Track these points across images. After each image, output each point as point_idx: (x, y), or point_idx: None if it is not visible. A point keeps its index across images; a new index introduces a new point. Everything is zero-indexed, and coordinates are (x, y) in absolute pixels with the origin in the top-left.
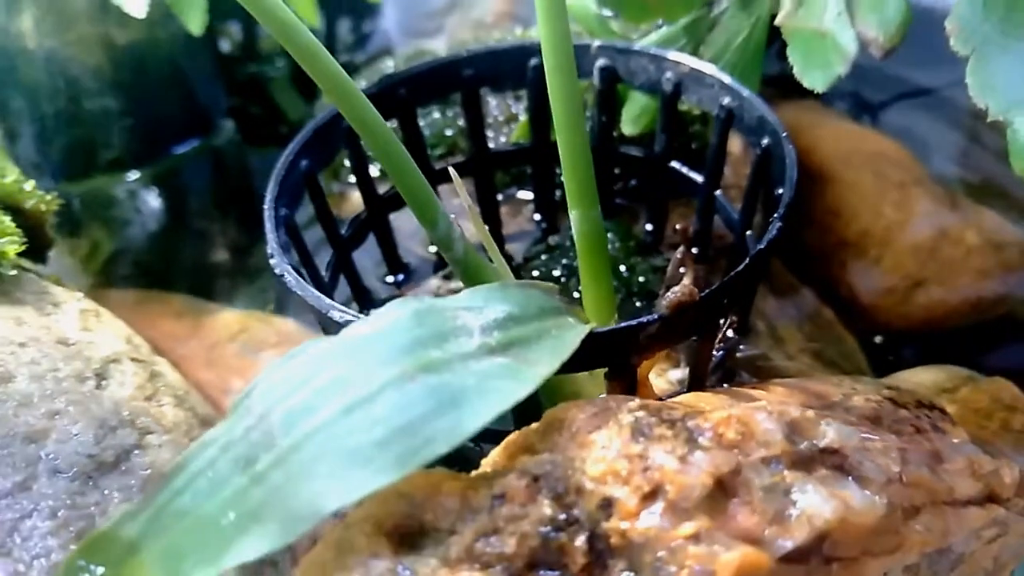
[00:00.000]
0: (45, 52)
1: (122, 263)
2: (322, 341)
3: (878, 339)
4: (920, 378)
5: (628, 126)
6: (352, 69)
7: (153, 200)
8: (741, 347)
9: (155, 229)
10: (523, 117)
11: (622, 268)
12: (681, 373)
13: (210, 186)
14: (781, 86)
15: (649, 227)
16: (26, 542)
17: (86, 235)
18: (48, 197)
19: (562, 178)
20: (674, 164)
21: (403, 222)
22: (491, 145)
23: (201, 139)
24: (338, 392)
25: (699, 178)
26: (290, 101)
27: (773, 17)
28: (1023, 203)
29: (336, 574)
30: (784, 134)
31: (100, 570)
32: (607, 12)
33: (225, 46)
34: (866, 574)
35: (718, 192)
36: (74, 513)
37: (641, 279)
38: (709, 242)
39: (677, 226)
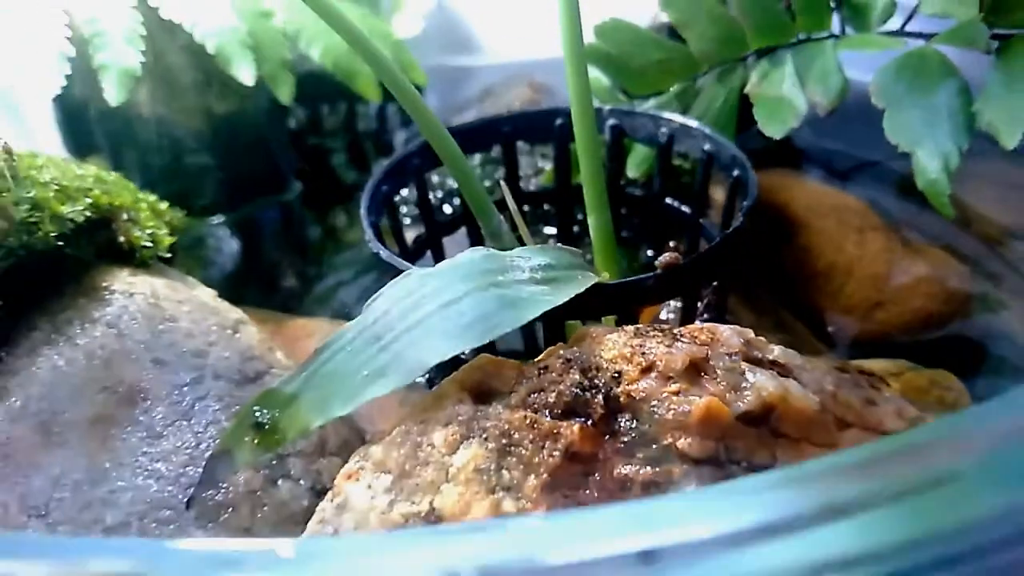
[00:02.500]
0: (156, 118)
1: None
2: (421, 270)
3: (830, 328)
4: (870, 365)
5: (632, 170)
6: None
7: (234, 240)
8: None
9: (235, 262)
10: (548, 167)
11: None
12: None
13: (280, 231)
14: (765, 158)
15: (650, 252)
16: (202, 414)
17: (179, 267)
18: (179, 214)
19: (579, 216)
20: (668, 200)
21: (452, 250)
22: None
23: (275, 194)
24: (435, 297)
25: (688, 209)
26: (345, 168)
27: (743, 87)
28: (962, 249)
29: (434, 412)
30: (748, 166)
31: (269, 413)
32: (616, 84)
33: (291, 123)
34: (806, 456)
35: (703, 220)
36: (232, 400)
37: None
38: None
39: (671, 243)
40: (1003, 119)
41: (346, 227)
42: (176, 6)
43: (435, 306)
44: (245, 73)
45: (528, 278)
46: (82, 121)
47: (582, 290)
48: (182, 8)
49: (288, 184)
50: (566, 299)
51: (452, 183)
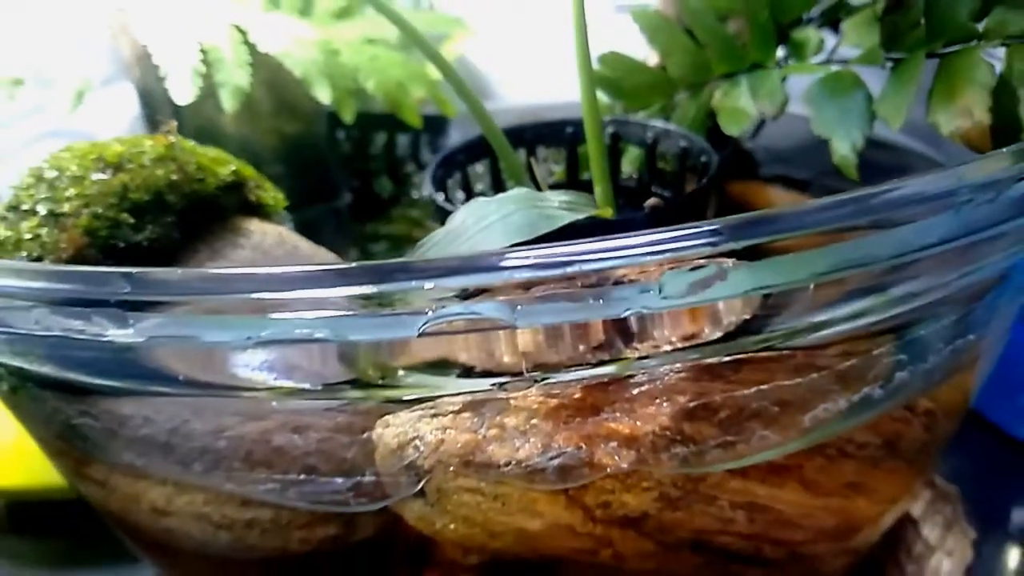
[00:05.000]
0: (239, 136)
1: None
2: (484, 198)
3: None
4: None
5: (626, 166)
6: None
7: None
8: None
9: None
10: (558, 169)
11: None
12: None
13: (333, 230)
14: (735, 170)
15: None
16: None
17: None
18: (280, 194)
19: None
20: (654, 189)
21: None
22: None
23: (330, 201)
24: (495, 212)
25: (669, 194)
26: (383, 186)
27: (709, 101)
28: None
29: None
30: (712, 152)
31: None
32: (615, 101)
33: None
34: None
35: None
36: None
37: None
38: None
39: (652, 200)
40: (891, 112)
41: (386, 229)
42: (271, 42)
43: (496, 217)
44: (323, 95)
45: (557, 205)
46: None
47: (593, 213)
48: (276, 44)
49: (340, 195)
50: (583, 216)
51: (480, 187)
